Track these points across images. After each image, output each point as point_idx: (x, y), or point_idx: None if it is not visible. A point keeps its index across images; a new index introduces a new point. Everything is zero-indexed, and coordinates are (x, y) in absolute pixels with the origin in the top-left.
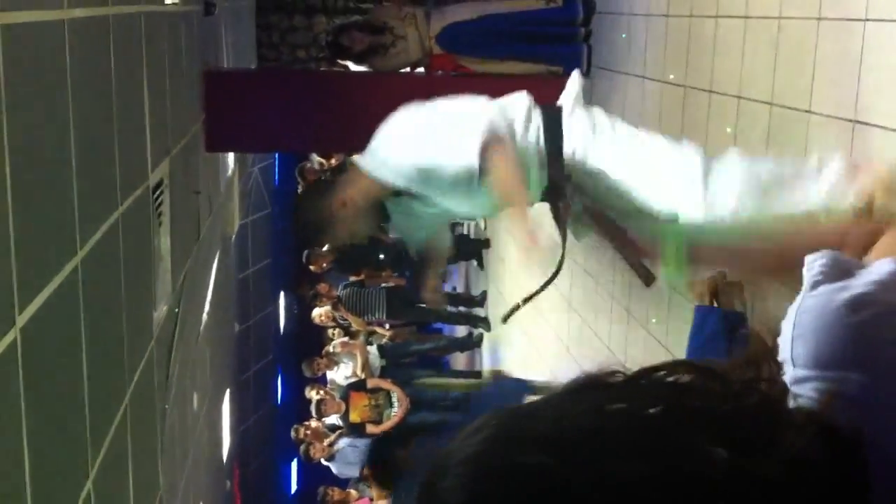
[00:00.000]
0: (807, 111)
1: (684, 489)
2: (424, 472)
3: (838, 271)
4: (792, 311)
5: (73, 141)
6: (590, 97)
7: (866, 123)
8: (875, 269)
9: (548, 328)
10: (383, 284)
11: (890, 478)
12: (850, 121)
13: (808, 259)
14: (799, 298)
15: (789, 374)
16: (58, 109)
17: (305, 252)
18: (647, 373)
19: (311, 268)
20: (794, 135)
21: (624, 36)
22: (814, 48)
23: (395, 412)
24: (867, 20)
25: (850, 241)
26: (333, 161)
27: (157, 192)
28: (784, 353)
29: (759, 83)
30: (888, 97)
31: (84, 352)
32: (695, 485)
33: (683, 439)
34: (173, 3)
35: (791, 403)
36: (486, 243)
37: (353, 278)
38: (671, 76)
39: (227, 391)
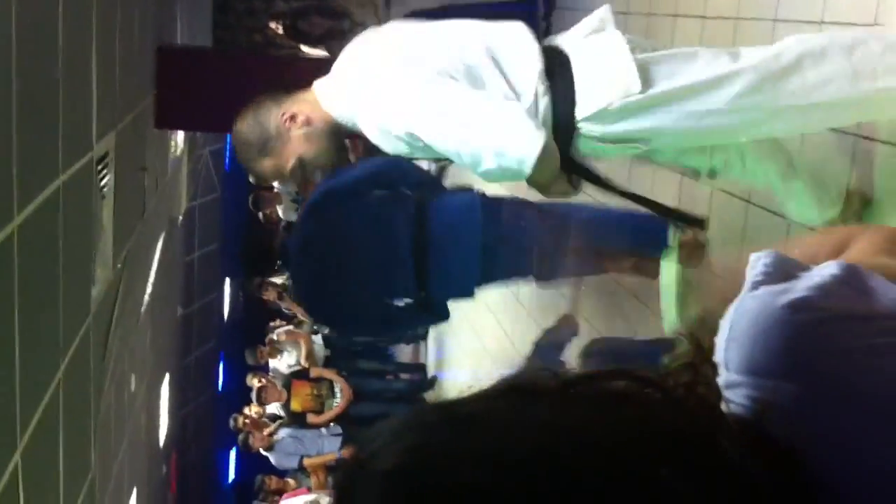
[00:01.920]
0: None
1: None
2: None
3: (782, 272)
4: (730, 311)
5: (13, 103)
6: None
7: (832, 22)
8: (818, 273)
9: (494, 322)
10: None
11: (823, 490)
12: (818, 22)
13: (752, 257)
14: (738, 298)
15: (722, 377)
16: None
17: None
18: (583, 380)
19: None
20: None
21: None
22: None
23: (338, 402)
24: (822, 22)
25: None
26: None
27: (102, 165)
28: (719, 355)
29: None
30: None
31: (16, 321)
32: (634, 498)
33: (622, 452)
34: None
35: (723, 409)
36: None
37: None
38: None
39: (167, 375)
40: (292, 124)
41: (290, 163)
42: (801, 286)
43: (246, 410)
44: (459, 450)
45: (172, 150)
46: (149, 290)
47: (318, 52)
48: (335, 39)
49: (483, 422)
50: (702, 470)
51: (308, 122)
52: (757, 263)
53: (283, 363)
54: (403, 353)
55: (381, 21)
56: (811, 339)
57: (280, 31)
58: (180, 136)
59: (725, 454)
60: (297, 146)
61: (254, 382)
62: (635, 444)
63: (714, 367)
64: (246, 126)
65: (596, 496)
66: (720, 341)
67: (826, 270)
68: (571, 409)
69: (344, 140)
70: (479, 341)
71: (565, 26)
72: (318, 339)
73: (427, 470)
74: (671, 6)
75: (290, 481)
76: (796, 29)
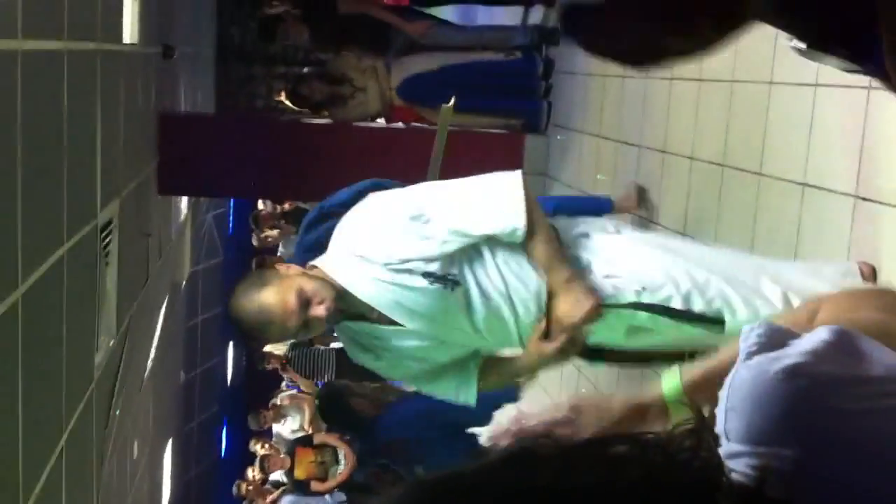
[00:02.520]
0: (757, 173)
1: None
2: None
3: (774, 341)
4: (727, 382)
5: (19, 173)
6: (546, 154)
7: (815, 186)
8: (809, 339)
9: None
10: (332, 345)
11: None
12: (800, 184)
13: (745, 329)
14: (734, 369)
15: (724, 447)
16: (5, 141)
17: None
18: (584, 446)
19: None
20: (744, 196)
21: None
22: (765, 111)
23: (341, 470)
24: (818, 85)
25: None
26: (288, 206)
27: (106, 232)
28: (719, 426)
29: (711, 145)
30: (835, 160)
31: (20, 391)
32: None
33: None
34: (131, 44)
35: (726, 478)
36: None
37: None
38: (626, 136)
39: (170, 441)
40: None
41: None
42: (794, 352)
43: (248, 474)
44: None
45: (176, 215)
46: (152, 355)
47: (319, 119)
48: (336, 105)
49: (485, 493)
50: None
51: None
52: (750, 335)
53: (286, 428)
54: None
55: (381, 86)
56: (806, 403)
57: (282, 95)
58: (184, 201)
59: None
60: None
61: (257, 449)
62: None
63: (716, 436)
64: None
65: None
66: (719, 412)
67: (818, 336)
68: (574, 474)
69: None
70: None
71: (562, 90)
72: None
73: None
74: (667, 70)
75: None
76: (791, 91)
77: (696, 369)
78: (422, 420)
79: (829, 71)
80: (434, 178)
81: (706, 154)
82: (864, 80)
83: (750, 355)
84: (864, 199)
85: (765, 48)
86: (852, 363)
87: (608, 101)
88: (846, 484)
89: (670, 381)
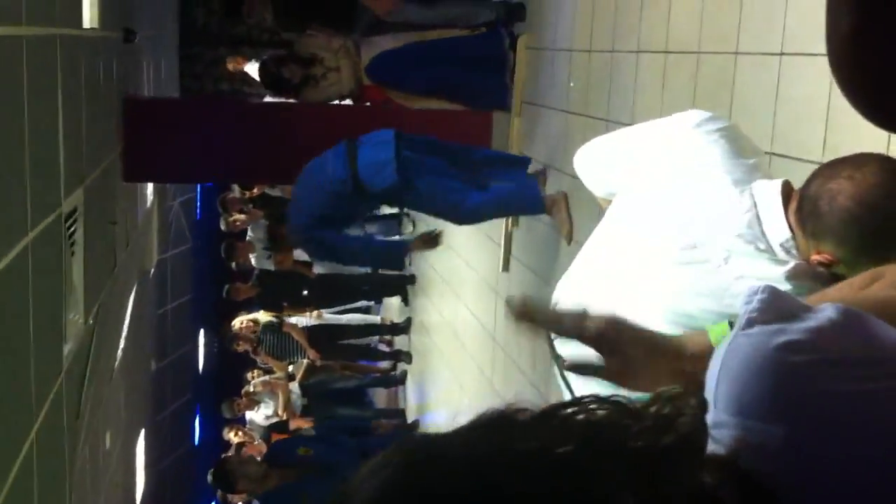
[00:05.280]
0: None
1: None
2: None
3: (777, 310)
4: (721, 348)
5: None
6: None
7: (782, 155)
8: (816, 315)
9: (472, 363)
10: (302, 323)
11: None
12: (767, 153)
13: (749, 291)
14: (731, 335)
15: (711, 414)
16: None
17: (226, 287)
18: (558, 409)
19: (235, 296)
20: None
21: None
22: (731, 82)
23: None
24: (783, 54)
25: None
26: (256, 191)
27: (71, 221)
28: (708, 392)
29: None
30: (802, 129)
31: None
32: None
33: (595, 480)
34: (92, 28)
35: (710, 446)
36: (411, 279)
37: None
38: (594, 111)
39: (143, 430)
40: None
41: None
42: (797, 328)
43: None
44: (437, 486)
45: (142, 202)
46: (122, 344)
47: (283, 98)
48: (308, 86)
49: (460, 457)
50: (669, 500)
51: None
52: (752, 298)
53: (260, 415)
54: (382, 398)
55: (354, 65)
56: (804, 382)
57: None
58: (150, 188)
59: (699, 489)
60: None
61: (231, 436)
62: (610, 472)
63: (704, 403)
64: None
65: None
66: (710, 379)
67: (823, 314)
68: (547, 440)
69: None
70: (457, 382)
71: (531, 65)
72: (295, 387)
73: (407, 498)
74: (633, 42)
75: None
76: (756, 61)
77: None
78: None
79: (794, 40)
80: None
81: None
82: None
83: (750, 322)
84: None
85: (730, 19)
86: (858, 345)
87: (575, 75)
88: (836, 466)
89: (719, 330)
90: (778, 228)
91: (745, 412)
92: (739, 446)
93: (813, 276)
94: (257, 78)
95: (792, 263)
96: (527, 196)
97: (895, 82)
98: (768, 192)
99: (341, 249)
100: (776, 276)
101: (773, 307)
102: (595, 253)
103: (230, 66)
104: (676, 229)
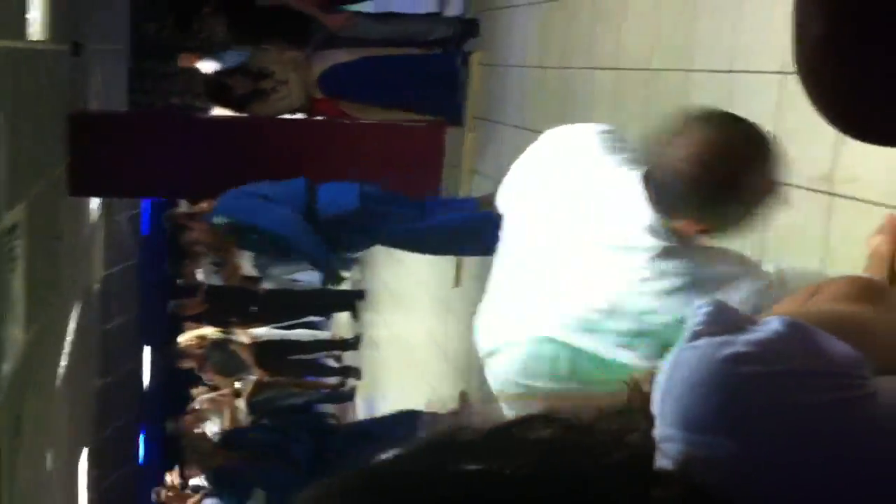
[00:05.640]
0: None
1: None
2: None
3: (723, 323)
4: (667, 362)
5: None
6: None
7: None
8: (762, 328)
9: (422, 379)
10: (245, 339)
11: None
12: None
13: (694, 306)
14: (676, 347)
15: (659, 429)
16: None
17: (172, 303)
18: (504, 429)
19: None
20: None
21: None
22: (686, 99)
23: None
24: (731, 72)
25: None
26: (205, 205)
27: (12, 236)
28: (655, 407)
29: (632, 133)
30: None
31: None
32: None
33: (546, 499)
34: (38, 41)
35: (659, 461)
36: (360, 294)
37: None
38: (548, 127)
39: (85, 449)
40: None
41: None
42: (744, 340)
43: (167, 478)
44: None
45: (87, 217)
46: (64, 361)
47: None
48: (258, 100)
49: (406, 484)
50: None
51: None
52: (697, 312)
53: (207, 432)
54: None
55: (303, 78)
56: (750, 395)
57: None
58: (95, 202)
59: (651, 502)
60: None
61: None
62: (558, 494)
63: (651, 417)
64: None
65: None
66: (656, 391)
67: (770, 326)
68: (494, 462)
69: None
70: (407, 398)
71: (484, 81)
72: (241, 404)
73: None
74: (585, 58)
75: None
76: (708, 78)
77: None
78: None
79: (744, 60)
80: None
81: None
82: (775, 63)
83: (696, 335)
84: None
85: (682, 36)
86: (803, 356)
87: (530, 91)
88: (785, 478)
89: None
90: (643, 214)
91: (693, 426)
92: (688, 460)
93: (692, 250)
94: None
95: (662, 244)
96: (479, 216)
97: (867, 89)
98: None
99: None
100: (644, 261)
101: (719, 320)
102: (509, 270)
103: (182, 63)
104: (590, 222)
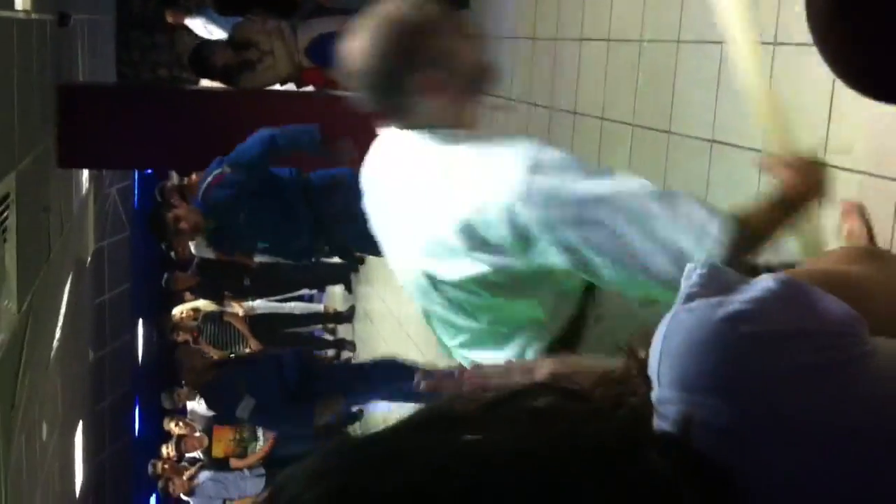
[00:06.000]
0: (666, 131)
1: None
2: None
3: (717, 284)
4: (662, 325)
5: None
6: None
7: (723, 143)
8: (754, 287)
9: (416, 351)
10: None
11: None
12: (708, 140)
13: (688, 268)
14: (672, 310)
15: (655, 391)
16: None
17: (165, 276)
18: (503, 399)
19: (175, 286)
20: (655, 154)
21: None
22: (673, 70)
23: (261, 446)
24: (723, 42)
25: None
26: (194, 177)
27: (2, 207)
28: (651, 369)
29: (621, 105)
30: (743, 117)
31: None
32: None
33: (552, 469)
34: (24, 11)
35: (657, 423)
36: (354, 267)
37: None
38: (537, 99)
39: (81, 422)
40: None
41: None
42: (739, 299)
43: (163, 451)
44: (384, 489)
45: (78, 190)
46: (58, 334)
47: (221, 85)
48: (245, 71)
49: (405, 456)
50: (625, 485)
51: None
52: (692, 274)
53: (201, 405)
54: None
55: (289, 47)
56: (745, 355)
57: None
58: (85, 174)
59: (649, 468)
60: None
61: (171, 427)
62: (560, 461)
63: (648, 380)
64: None
65: None
66: (653, 354)
67: (762, 284)
68: (494, 432)
69: None
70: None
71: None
72: None
73: None
74: (576, 30)
75: None
76: (697, 49)
77: None
78: None
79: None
80: None
81: (616, 114)
82: (769, 36)
83: (690, 297)
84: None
85: (672, 8)
86: (797, 315)
87: (518, 63)
88: (774, 446)
89: None
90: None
91: (689, 386)
92: (687, 420)
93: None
94: (198, 32)
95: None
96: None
97: (883, 50)
98: None
99: None
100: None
101: (714, 281)
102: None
103: (170, 19)
104: None
